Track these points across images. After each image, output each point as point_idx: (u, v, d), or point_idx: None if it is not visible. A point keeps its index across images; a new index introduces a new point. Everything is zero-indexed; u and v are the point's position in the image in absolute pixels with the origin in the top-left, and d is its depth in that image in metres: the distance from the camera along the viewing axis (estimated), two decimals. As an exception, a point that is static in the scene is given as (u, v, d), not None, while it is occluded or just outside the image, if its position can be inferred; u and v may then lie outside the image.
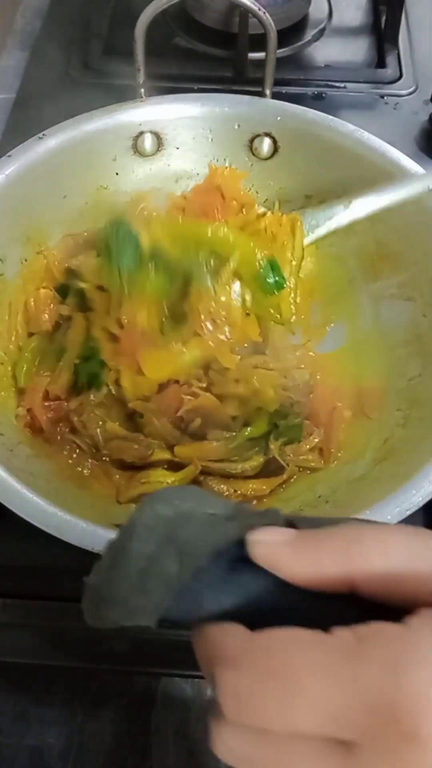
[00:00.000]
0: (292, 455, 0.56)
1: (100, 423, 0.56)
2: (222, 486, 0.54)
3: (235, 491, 0.54)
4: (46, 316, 0.60)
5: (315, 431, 0.56)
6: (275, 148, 0.64)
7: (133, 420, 0.57)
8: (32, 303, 0.60)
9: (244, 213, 0.61)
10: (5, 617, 0.52)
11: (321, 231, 0.59)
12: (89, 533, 0.42)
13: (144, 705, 0.59)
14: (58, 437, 0.56)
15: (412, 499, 0.44)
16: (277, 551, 0.26)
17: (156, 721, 0.58)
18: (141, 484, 0.53)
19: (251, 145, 0.64)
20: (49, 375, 0.57)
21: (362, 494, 0.48)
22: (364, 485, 0.50)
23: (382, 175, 0.59)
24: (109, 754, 0.58)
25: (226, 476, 0.55)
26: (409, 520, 0.43)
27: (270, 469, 0.56)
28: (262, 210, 0.62)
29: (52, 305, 0.60)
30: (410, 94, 0.83)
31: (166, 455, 0.55)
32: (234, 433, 0.55)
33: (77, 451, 0.56)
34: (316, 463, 0.56)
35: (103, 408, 0.56)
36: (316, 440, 0.56)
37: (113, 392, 0.56)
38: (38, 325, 0.60)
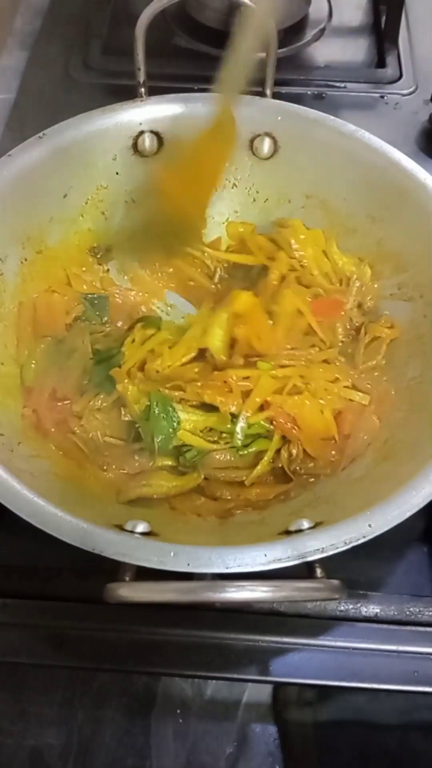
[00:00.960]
0: (300, 468, 0.55)
1: (101, 428, 0.56)
2: (225, 491, 0.54)
3: (239, 496, 0.53)
4: (60, 320, 0.60)
5: (334, 445, 0.55)
6: (275, 148, 0.64)
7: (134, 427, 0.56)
8: (44, 306, 0.60)
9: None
10: (5, 617, 0.52)
11: None
12: (89, 533, 0.42)
13: (144, 705, 0.59)
14: (62, 438, 0.55)
15: (413, 500, 0.44)
16: None
17: (156, 721, 0.58)
18: (141, 486, 0.53)
19: (251, 145, 0.64)
20: (57, 375, 0.57)
21: (362, 495, 0.48)
22: (364, 486, 0.50)
23: (382, 176, 0.59)
24: (109, 754, 0.58)
25: (230, 482, 0.54)
26: (410, 521, 0.43)
27: (276, 476, 0.55)
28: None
29: (61, 308, 0.61)
30: (410, 94, 0.83)
31: (168, 461, 0.55)
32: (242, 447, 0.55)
33: (79, 452, 0.55)
34: (327, 471, 0.55)
35: (105, 413, 0.56)
36: (334, 453, 0.55)
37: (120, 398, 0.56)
38: (52, 328, 0.60)
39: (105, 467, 0.55)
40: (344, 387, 0.56)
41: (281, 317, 0.59)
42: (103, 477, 0.54)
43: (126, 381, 0.55)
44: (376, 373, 0.58)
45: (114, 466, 0.55)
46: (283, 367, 0.56)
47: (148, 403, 0.54)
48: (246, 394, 0.55)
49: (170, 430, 0.53)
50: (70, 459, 0.55)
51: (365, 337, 0.59)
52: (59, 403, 0.56)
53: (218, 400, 0.54)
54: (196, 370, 0.57)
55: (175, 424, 0.53)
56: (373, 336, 0.59)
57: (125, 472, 0.55)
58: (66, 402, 0.56)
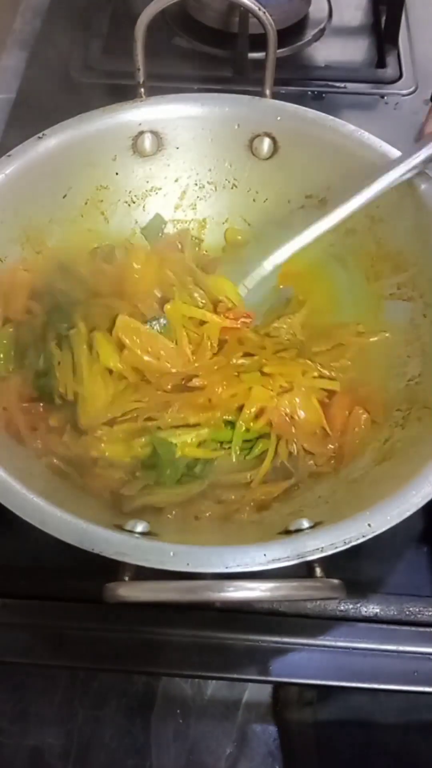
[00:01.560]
0: (301, 464, 0.55)
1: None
2: (229, 494, 0.53)
3: (243, 497, 0.53)
4: (20, 302, 0.56)
5: (330, 439, 0.55)
6: (275, 148, 0.64)
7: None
8: (8, 283, 0.56)
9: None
10: (5, 617, 0.52)
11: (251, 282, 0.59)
12: (89, 533, 0.42)
13: (144, 705, 0.59)
14: (38, 445, 0.51)
15: (412, 500, 0.44)
16: None
17: (156, 721, 0.58)
18: (145, 495, 0.51)
19: (251, 145, 0.64)
20: (18, 373, 0.53)
21: (362, 495, 0.48)
22: (363, 486, 0.50)
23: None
24: (109, 754, 0.58)
25: (234, 485, 0.54)
26: (409, 521, 0.43)
27: (278, 473, 0.55)
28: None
29: (24, 287, 0.57)
30: (410, 94, 0.83)
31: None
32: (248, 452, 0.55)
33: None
34: (329, 468, 0.54)
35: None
36: (332, 447, 0.55)
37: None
38: (14, 311, 0.56)
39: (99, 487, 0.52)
40: (313, 377, 0.56)
41: (175, 332, 0.55)
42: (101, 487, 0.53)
43: (102, 445, 0.51)
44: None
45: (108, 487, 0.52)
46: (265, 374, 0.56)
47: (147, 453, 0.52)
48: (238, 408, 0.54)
49: (177, 465, 0.52)
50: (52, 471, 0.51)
51: (328, 342, 0.59)
52: (32, 404, 0.53)
53: (202, 418, 0.53)
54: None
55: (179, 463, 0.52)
56: (338, 342, 0.59)
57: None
58: (34, 402, 0.53)
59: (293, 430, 0.54)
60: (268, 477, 0.55)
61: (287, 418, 0.54)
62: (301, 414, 0.54)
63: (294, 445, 0.54)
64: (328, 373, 0.57)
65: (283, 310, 0.62)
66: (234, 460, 0.54)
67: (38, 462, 0.51)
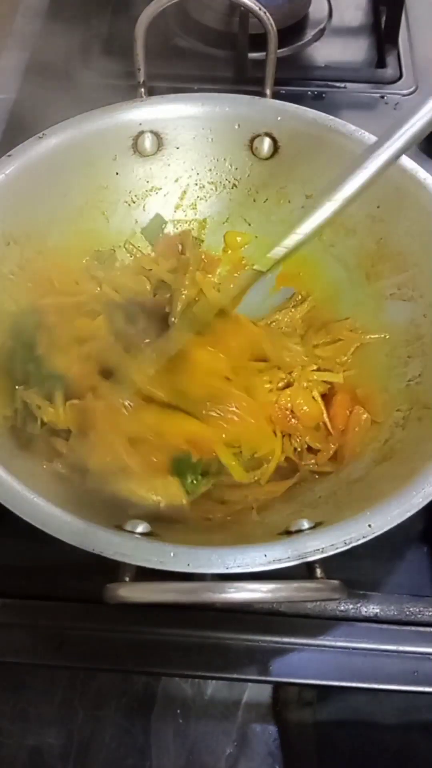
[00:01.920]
0: (304, 462, 0.55)
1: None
2: (232, 494, 0.53)
3: (246, 497, 0.53)
4: None
5: (332, 438, 0.55)
6: (275, 148, 0.64)
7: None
8: None
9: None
10: (5, 617, 0.52)
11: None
12: (89, 533, 0.42)
13: (144, 705, 0.59)
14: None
15: (413, 501, 0.44)
16: None
17: (156, 721, 0.58)
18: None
19: (251, 145, 0.64)
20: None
21: (362, 495, 0.48)
22: (364, 486, 0.50)
23: (382, 175, 0.59)
24: (109, 754, 0.58)
25: (236, 485, 0.54)
26: (410, 521, 0.43)
27: (281, 472, 0.55)
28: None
29: None
30: (410, 94, 0.83)
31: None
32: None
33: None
34: (330, 467, 0.55)
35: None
36: (334, 447, 0.55)
37: None
38: None
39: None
40: (312, 371, 0.57)
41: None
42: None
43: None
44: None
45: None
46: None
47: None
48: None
49: (197, 470, 0.52)
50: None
51: (327, 336, 0.60)
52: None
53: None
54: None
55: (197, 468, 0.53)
56: (336, 337, 0.60)
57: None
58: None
59: (294, 423, 0.55)
60: (271, 477, 0.55)
61: (288, 413, 0.55)
62: (302, 408, 0.55)
63: (298, 440, 0.55)
64: (326, 363, 0.58)
65: (285, 306, 0.63)
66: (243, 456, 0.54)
67: (40, 464, 0.52)
